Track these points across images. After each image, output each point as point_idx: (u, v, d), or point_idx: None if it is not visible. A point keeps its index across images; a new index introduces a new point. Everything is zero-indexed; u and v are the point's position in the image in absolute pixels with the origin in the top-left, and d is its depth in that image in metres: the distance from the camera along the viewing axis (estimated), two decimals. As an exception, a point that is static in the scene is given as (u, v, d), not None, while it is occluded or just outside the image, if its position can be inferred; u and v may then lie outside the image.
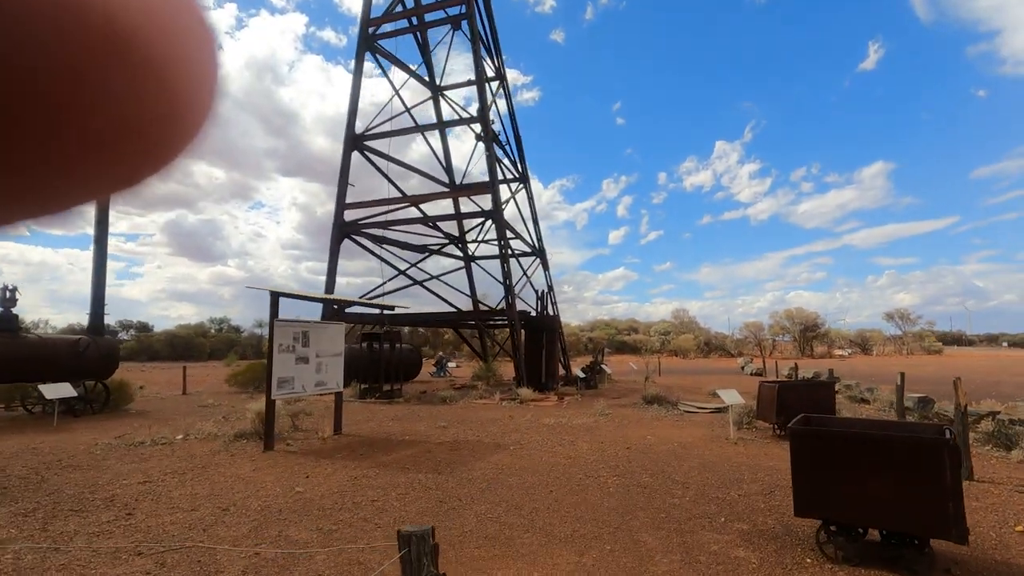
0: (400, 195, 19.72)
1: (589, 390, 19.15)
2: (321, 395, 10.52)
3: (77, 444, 9.19)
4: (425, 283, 21.50)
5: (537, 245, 24.08)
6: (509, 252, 18.15)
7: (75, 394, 12.39)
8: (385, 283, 19.66)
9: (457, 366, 36.35)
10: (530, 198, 23.95)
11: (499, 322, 25.10)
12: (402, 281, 21.18)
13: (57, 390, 11.89)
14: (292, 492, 6.20)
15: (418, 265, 21.95)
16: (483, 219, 19.50)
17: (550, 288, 22.90)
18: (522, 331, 18.31)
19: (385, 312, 16.09)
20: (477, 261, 26.70)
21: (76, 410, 12.90)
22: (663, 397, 14.66)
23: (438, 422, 11.49)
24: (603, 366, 21.90)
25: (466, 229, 26.46)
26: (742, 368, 31.94)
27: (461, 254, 26.15)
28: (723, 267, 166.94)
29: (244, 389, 20.03)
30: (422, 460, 7.79)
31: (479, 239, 23.40)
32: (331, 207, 19.30)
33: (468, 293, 25.50)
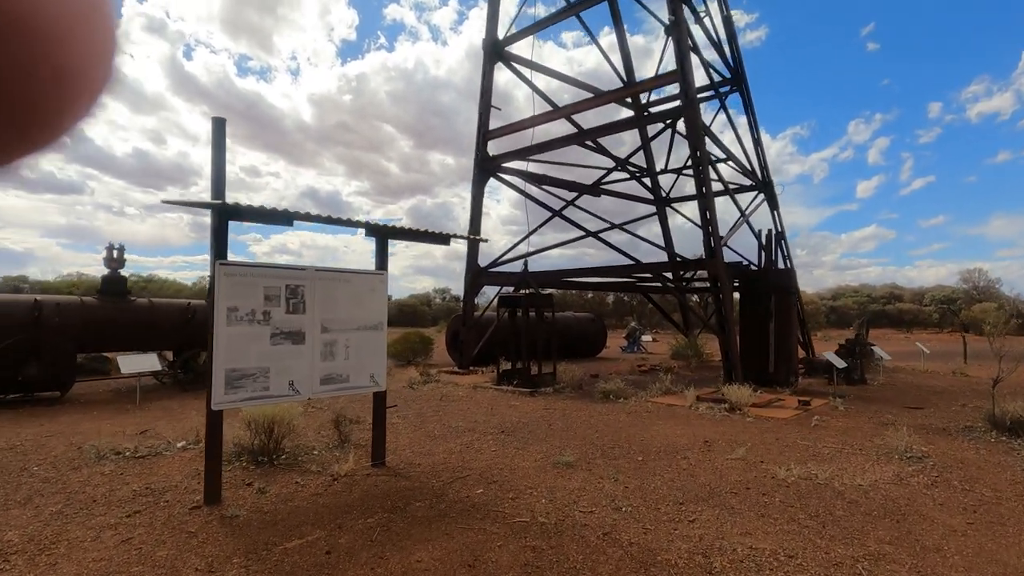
0: (555, 108, 14.57)
1: (852, 386, 11.96)
2: (335, 397, 6.44)
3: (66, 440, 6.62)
4: (602, 234, 16.26)
5: (761, 175, 16.84)
6: (709, 174, 11.81)
7: (159, 367, 10.58)
8: (531, 233, 14.95)
9: (654, 340, 30.37)
10: (748, 109, 16.71)
11: (696, 285, 18.67)
12: (572, 233, 16.30)
13: (137, 363, 10.10)
14: None
15: (592, 213, 16.81)
16: (668, 122, 13.31)
17: (780, 234, 15.61)
18: (734, 293, 12.02)
19: (526, 268, 11.55)
20: (673, 204, 20.36)
21: (165, 384, 11.24)
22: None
23: (570, 447, 6.51)
24: (872, 346, 14.09)
25: (660, 171, 20.25)
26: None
27: (651, 196, 20.12)
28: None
29: (397, 360, 17.73)
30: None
31: (670, 168, 17.13)
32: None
33: (663, 246, 19.41)
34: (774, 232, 14.13)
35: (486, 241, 6.86)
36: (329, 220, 5.22)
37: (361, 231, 5.71)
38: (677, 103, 12.11)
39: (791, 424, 8.06)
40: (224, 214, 4.60)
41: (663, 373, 12.25)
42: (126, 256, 11.79)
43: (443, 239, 5.62)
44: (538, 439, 7.05)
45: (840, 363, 11.52)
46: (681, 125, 13.22)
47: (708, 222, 11.13)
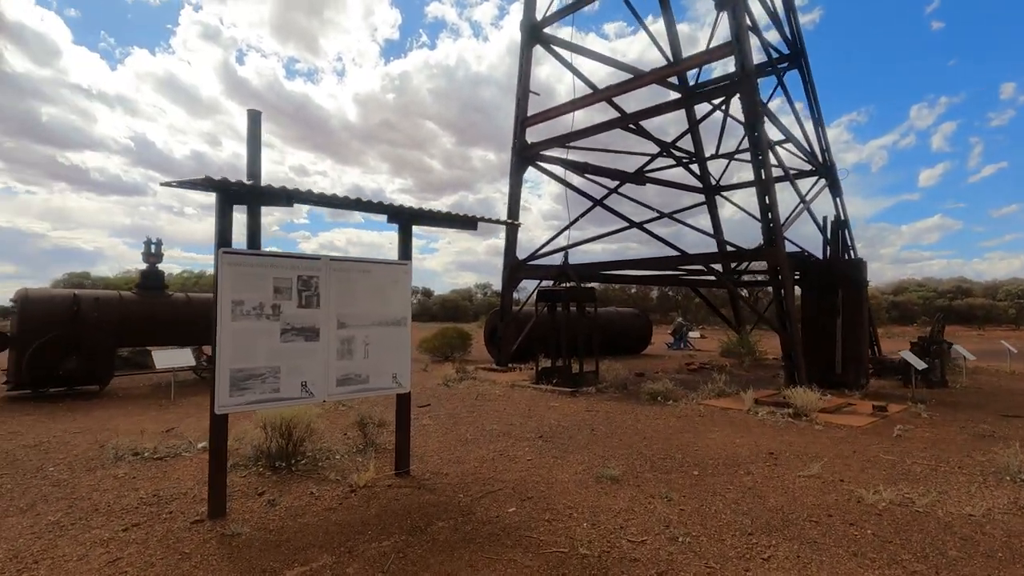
0: (596, 91, 13.69)
1: (932, 390, 10.73)
2: (349, 400, 5.96)
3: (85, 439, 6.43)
4: (647, 224, 15.35)
5: (822, 158, 15.53)
6: (768, 155, 10.75)
7: (193, 363, 10.46)
8: (571, 224, 14.15)
9: (702, 336, 29.06)
10: (808, 86, 15.41)
11: (750, 279, 17.56)
12: (614, 225, 15.45)
13: (172, 358, 10.00)
14: None
15: (639, 201, 15.90)
16: (721, 100, 12.25)
17: (844, 222, 14.32)
18: (795, 287, 10.97)
19: (566, 260, 10.90)
20: (723, 192, 19.17)
21: (204, 379, 11.14)
22: None
23: (615, 456, 5.83)
24: (952, 345, 12.70)
25: (708, 156, 19.10)
26: None
27: (699, 183, 19.00)
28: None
29: (434, 356, 17.37)
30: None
31: (721, 152, 15.98)
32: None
33: (713, 235, 18.26)
34: (838, 218, 12.95)
35: (519, 225, 6.24)
36: (341, 203, 4.69)
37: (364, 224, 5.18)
38: (729, 83, 11.07)
39: (869, 434, 7.09)
40: (225, 194, 4.14)
41: (717, 373, 11.33)
42: (184, 254, 11.82)
43: (470, 223, 5.02)
44: (579, 446, 6.39)
45: (919, 363, 10.32)
46: (735, 108, 12.19)
47: (768, 208, 10.11)
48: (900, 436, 6.93)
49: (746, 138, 17.46)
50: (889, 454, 6.05)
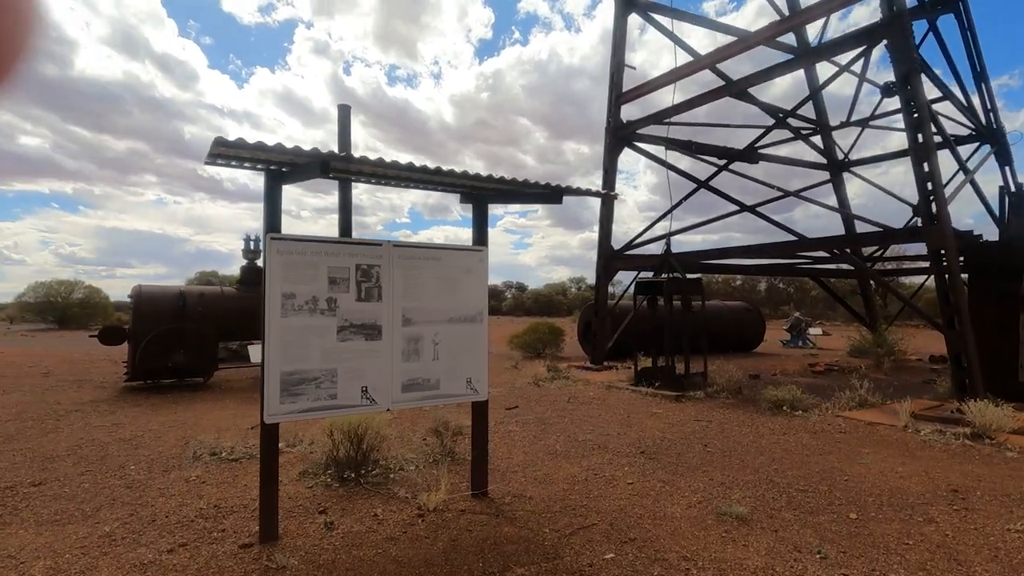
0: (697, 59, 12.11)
1: None
2: (419, 407, 5.32)
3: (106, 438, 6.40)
4: (759, 208, 13.56)
5: (986, 121, 12.81)
6: (927, 116, 8.71)
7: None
8: (672, 208, 12.67)
9: (824, 333, 25.94)
10: (968, 34, 12.72)
11: (896, 266, 15.09)
12: (717, 211, 13.80)
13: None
14: None
15: (753, 178, 14.10)
16: (862, 50, 10.20)
17: (1020, 194, 11.63)
18: (962, 274, 8.88)
19: (667, 249, 9.77)
20: (853, 168, 16.63)
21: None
22: None
23: (739, 484, 4.71)
24: None
25: (838, 125, 16.67)
26: None
27: (823, 159, 16.63)
28: None
29: (525, 352, 16.70)
30: None
31: (853, 119, 13.63)
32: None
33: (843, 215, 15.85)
34: (1019, 191, 10.52)
35: (615, 197, 5.26)
36: (395, 171, 3.99)
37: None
38: (870, 29, 9.13)
39: (1093, 468, 5.31)
40: (273, 175, 3.60)
41: (856, 378, 9.53)
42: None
43: (555, 195, 4.14)
44: (690, 467, 5.32)
45: None
46: (870, 69, 10.10)
47: (927, 178, 8.20)
48: None
49: (882, 103, 15.03)
50: None
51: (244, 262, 12.07)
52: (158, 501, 4.37)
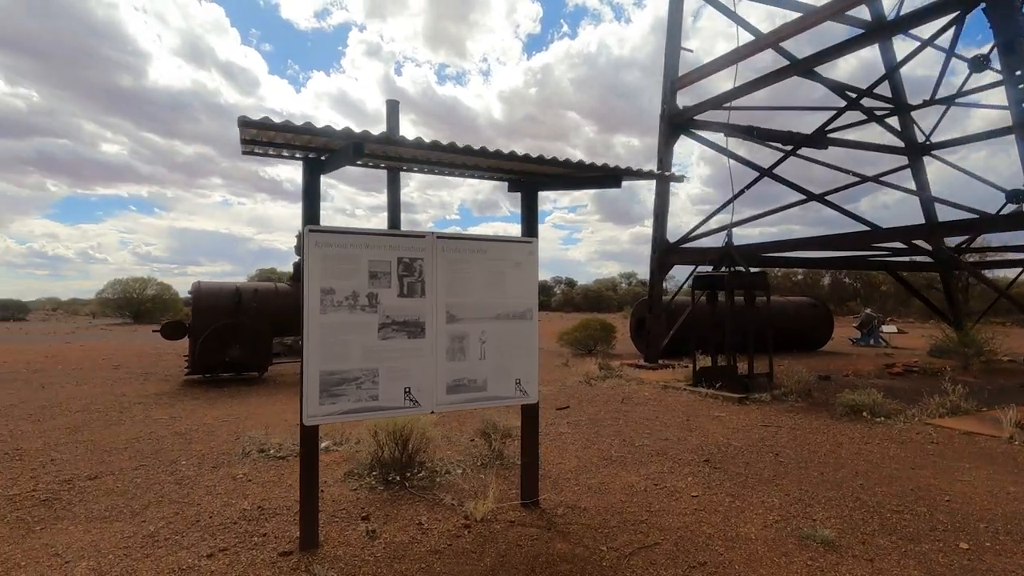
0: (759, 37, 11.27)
1: None
2: (465, 408, 5.06)
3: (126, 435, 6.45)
4: (829, 196, 12.60)
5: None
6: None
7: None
8: (735, 198, 11.89)
9: (899, 331, 24.13)
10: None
11: (980, 258, 13.78)
12: (777, 203, 12.89)
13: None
14: None
15: (822, 163, 13.13)
16: (956, 15, 9.11)
17: None
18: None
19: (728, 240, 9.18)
20: (934, 152, 15.23)
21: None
22: None
23: (820, 501, 4.19)
24: None
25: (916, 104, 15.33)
26: None
27: (900, 142, 15.32)
28: None
29: (576, 349, 16.28)
30: None
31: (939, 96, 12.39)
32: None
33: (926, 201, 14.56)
34: None
35: (682, 179, 4.81)
36: (430, 149, 3.72)
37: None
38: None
39: None
40: (311, 164, 3.41)
41: (945, 381, 8.61)
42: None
43: (612, 177, 3.75)
44: (762, 479, 4.82)
45: None
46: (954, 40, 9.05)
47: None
48: None
49: (970, 78, 13.64)
50: None
51: (297, 258, 12.25)
52: (204, 500, 4.31)
